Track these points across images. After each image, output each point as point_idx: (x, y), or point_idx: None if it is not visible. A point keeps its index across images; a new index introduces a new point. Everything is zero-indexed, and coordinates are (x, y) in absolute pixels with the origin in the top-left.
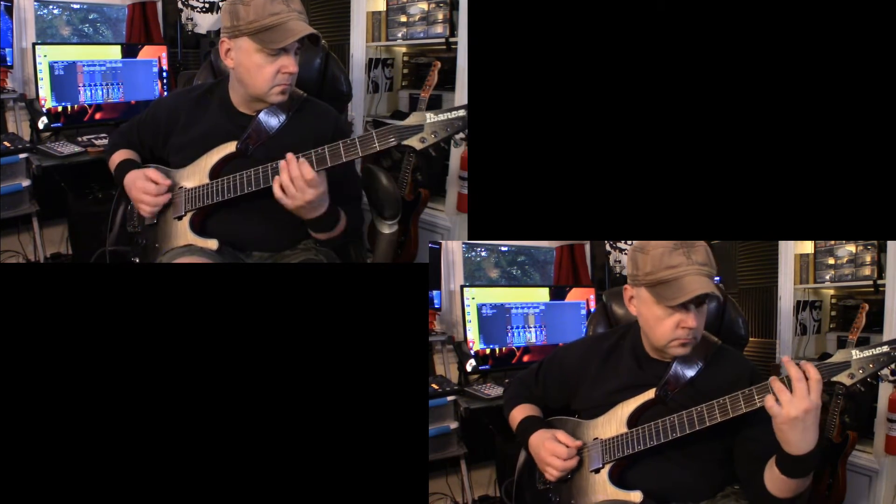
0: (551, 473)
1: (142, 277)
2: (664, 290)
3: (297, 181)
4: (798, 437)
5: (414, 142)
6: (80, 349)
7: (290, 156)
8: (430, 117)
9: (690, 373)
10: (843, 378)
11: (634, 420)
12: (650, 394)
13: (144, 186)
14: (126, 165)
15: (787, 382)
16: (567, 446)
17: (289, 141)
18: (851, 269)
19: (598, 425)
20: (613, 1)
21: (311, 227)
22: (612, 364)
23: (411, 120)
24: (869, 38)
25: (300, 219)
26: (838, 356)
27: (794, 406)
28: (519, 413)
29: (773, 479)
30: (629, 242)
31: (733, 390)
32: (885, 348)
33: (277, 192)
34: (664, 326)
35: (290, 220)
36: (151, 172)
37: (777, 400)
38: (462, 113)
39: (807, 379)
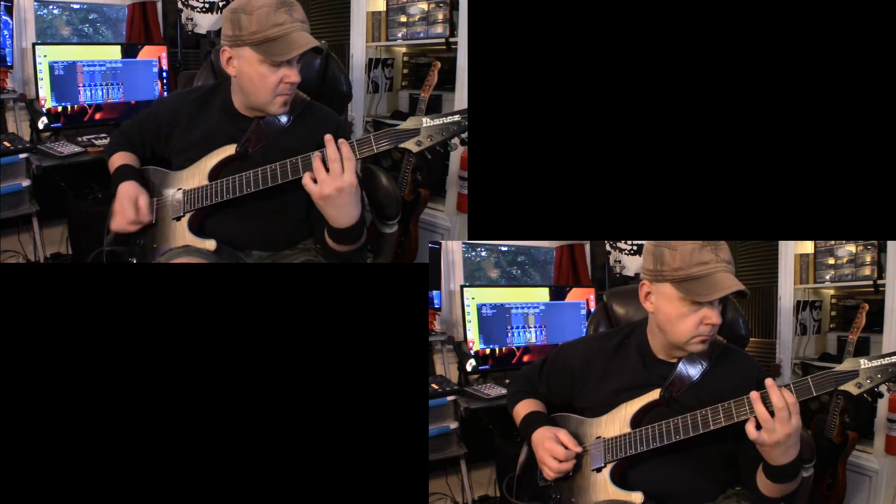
0: (547, 473)
1: (142, 277)
2: (695, 287)
3: (335, 163)
4: (780, 454)
5: (410, 145)
6: (79, 349)
7: (328, 137)
8: (427, 121)
9: (696, 374)
10: (850, 387)
11: (638, 420)
12: (655, 394)
13: (126, 209)
14: (124, 171)
15: (767, 404)
16: (567, 448)
17: (289, 144)
18: (851, 269)
19: (602, 424)
20: (614, 0)
21: (338, 239)
22: (617, 363)
23: (408, 124)
24: (869, 38)
25: (303, 216)
26: (846, 364)
27: (777, 433)
28: (522, 408)
29: (763, 484)
30: (629, 242)
31: (740, 393)
32: (894, 359)
33: (308, 182)
34: (687, 323)
35: (289, 220)
36: (142, 200)
37: (758, 426)
38: (457, 118)
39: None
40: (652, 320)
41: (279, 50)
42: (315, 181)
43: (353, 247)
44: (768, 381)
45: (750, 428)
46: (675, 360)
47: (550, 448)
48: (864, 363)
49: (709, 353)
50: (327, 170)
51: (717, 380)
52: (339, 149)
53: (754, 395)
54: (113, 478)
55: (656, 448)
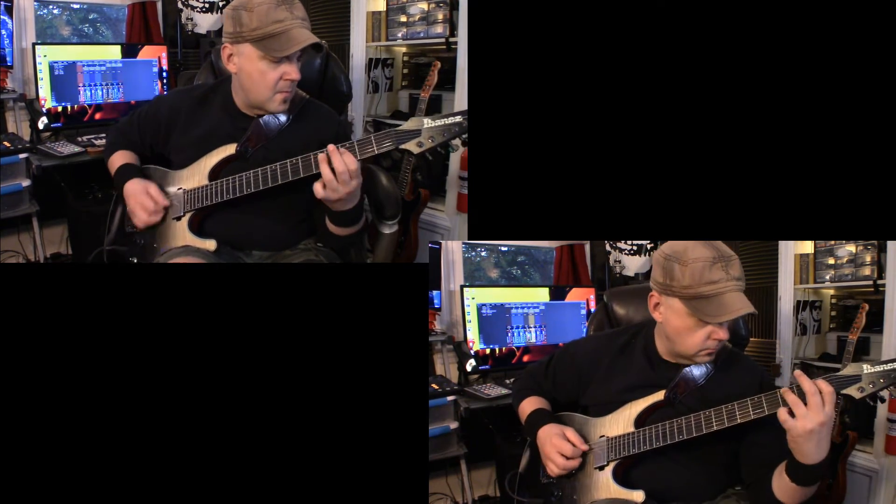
0: (552, 469)
1: (142, 277)
2: (704, 306)
3: (342, 175)
4: (812, 448)
5: (411, 146)
6: (80, 349)
7: (331, 147)
8: (428, 122)
9: (701, 377)
10: (852, 391)
11: (642, 420)
12: (659, 395)
13: (143, 202)
14: (126, 170)
15: (800, 394)
16: (574, 445)
17: (289, 143)
18: (851, 269)
19: (606, 423)
20: (614, 0)
21: (338, 221)
22: (623, 362)
23: (409, 125)
24: (869, 38)
25: (304, 216)
26: (849, 369)
27: (809, 419)
28: (528, 405)
29: (783, 487)
30: (629, 242)
31: (743, 396)
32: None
33: (319, 189)
34: (695, 337)
35: (290, 220)
36: (153, 189)
37: (791, 413)
38: (459, 119)
39: (820, 392)
40: (660, 325)
41: (279, 46)
42: (324, 187)
43: (354, 229)
44: (797, 372)
45: (782, 413)
46: (681, 363)
47: (558, 444)
48: (866, 368)
49: (714, 358)
50: (333, 171)
51: (721, 384)
52: (343, 159)
53: (785, 389)
54: (114, 477)
55: (659, 448)
